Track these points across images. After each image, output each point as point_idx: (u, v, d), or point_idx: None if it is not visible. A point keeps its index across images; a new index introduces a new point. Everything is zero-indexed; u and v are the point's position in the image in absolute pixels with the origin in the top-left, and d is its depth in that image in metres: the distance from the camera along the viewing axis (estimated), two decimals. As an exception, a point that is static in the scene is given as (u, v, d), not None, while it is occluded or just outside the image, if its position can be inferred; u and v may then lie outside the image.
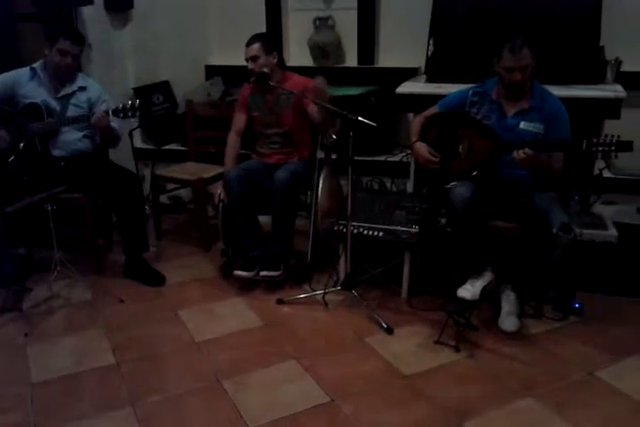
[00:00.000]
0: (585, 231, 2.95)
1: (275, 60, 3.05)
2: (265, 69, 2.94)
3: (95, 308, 2.93)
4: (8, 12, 3.44)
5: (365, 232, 2.88)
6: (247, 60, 3.04)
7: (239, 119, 3.25)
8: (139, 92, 4.16)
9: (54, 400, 2.24)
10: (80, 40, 3.04)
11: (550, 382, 2.31)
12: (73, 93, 3.10)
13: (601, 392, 2.24)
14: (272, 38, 3.24)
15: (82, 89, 3.12)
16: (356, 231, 2.86)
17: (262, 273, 3.00)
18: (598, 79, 3.13)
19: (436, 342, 2.55)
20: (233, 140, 3.26)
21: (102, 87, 3.22)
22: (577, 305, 2.79)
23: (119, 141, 3.22)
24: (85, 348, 2.58)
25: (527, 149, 2.41)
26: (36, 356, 2.52)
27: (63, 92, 3.08)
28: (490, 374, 2.36)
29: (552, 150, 2.53)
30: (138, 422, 2.11)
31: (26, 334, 2.65)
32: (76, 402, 2.23)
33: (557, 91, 2.73)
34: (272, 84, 2.95)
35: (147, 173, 4.03)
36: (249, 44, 3.04)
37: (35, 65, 3.07)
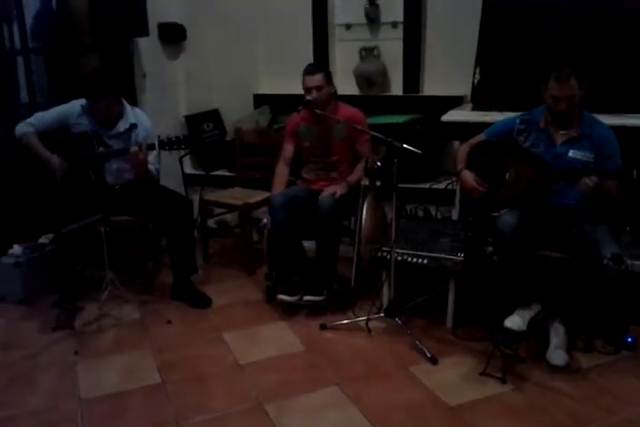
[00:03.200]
0: (637, 263, 2.87)
1: (332, 91, 3.13)
2: (309, 97, 3.01)
3: (143, 328, 3.00)
4: (70, 43, 3.62)
5: (409, 259, 2.87)
6: (309, 89, 3.06)
7: (287, 149, 3.32)
8: (190, 120, 4.30)
9: (102, 417, 2.30)
10: (100, 97, 2.99)
11: (601, 417, 2.23)
12: (125, 132, 3.14)
13: (656, 430, 2.16)
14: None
15: (133, 126, 3.15)
16: (399, 258, 2.86)
17: (306, 298, 3.03)
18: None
19: (482, 374, 2.50)
20: (282, 169, 3.33)
21: (151, 124, 3.23)
22: (630, 339, 2.70)
23: (152, 180, 3.18)
24: (133, 366, 2.64)
25: (594, 177, 2.37)
26: (85, 373, 2.60)
27: (115, 131, 3.13)
28: (538, 407, 2.30)
29: (602, 179, 2.50)
30: (182, 442, 2.15)
31: (76, 352, 2.74)
32: (122, 419, 2.28)
33: (609, 119, 2.71)
34: (319, 112, 3.00)
35: (195, 197, 4.14)
36: (311, 73, 3.08)
37: (84, 103, 3.10)
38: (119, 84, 3.21)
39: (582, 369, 2.55)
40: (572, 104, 2.50)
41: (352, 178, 3.13)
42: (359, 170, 3.11)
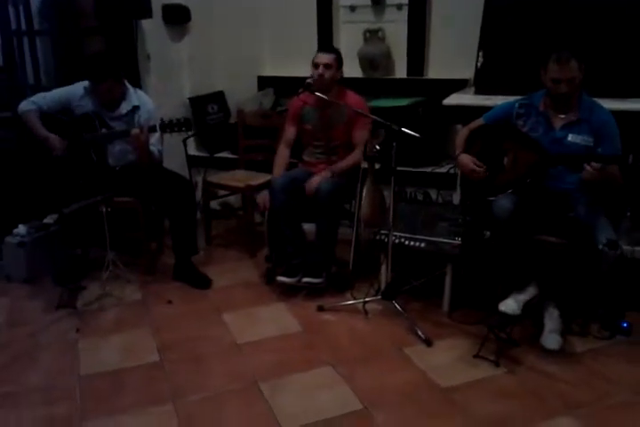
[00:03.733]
0: (636, 249, 2.86)
1: (339, 76, 3.13)
2: (309, 80, 3.00)
3: (144, 308, 3.05)
4: (75, 25, 3.63)
5: (407, 242, 2.89)
6: (317, 65, 3.07)
7: (289, 131, 3.32)
8: (194, 102, 4.31)
9: (100, 393, 2.36)
10: (101, 79, 3.01)
11: (593, 401, 2.25)
12: (128, 114, 3.16)
13: (646, 414, 2.18)
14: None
15: (135, 108, 3.16)
16: (397, 241, 2.88)
17: (304, 280, 3.06)
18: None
19: (476, 356, 2.52)
20: (283, 151, 3.34)
21: (154, 106, 3.24)
22: (625, 325, 2.70)
23: (155, 162, 3.20)
24: (132, 345, 2.69)
25: (595, 163, 2.34)
26: (85, 351, 2.65)
27: (118, 113, 3.15)
28: (530, 390, 2.33)
29: (602, 164, 2.47)
30: (177, 418, 2.19)
31: (77, 330, 2.79)
32: (120, 396, 2.33)
33: (609, 104, 2.68)
34: (318, 94, 2.99)
35: (199, 179, 4.16)
36: (325, 50, 3.12)
37: (87, 85, 3.13)
38: (121, 65, 3.21)
39: (576, 353, 2.56)
40: (572, 86, 2.48)
41: (336, 167, 3.14)
42: (349, 159, 3.14)
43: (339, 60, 3.12)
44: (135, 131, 2.95)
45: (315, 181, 3.06)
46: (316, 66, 3.08)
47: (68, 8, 3.59)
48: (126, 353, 2.63)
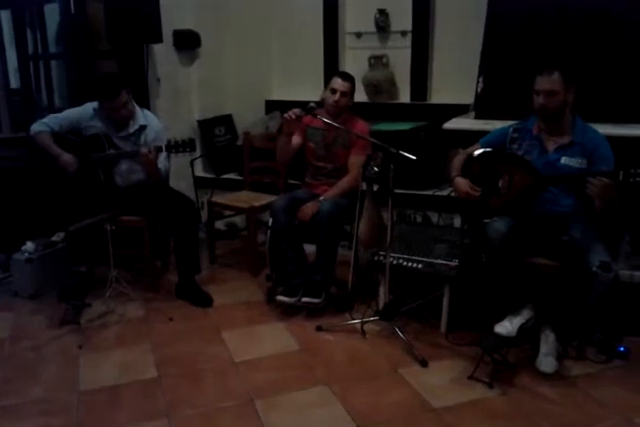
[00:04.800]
0: (635, 274, 2.87)
1: (351, 103, 3.22)
2: (312, 104, 3.08)
3: (146, 325, 3.10)
4: (88, 49, 3.77)
5: (404, 264, 2.93)
6: (335, 91, 3.15)
7: (295, 137, 3.32)
8: (203, 124, 4.42)
9: (98, 408, 2.40)
10: (115, 94, 3.09)
11: (585, 425, 2.25)
12: (135, 133, 3.26)
13: (639, 439, 2.18)
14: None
15: (142, 128, 3.26)
16: (395, 262, 2.91)
17: (304, 299, 3.09)
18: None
19: (470, 378, 2.54)
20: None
21: (162, 125, 3.35)
22: (622, 349, 2.70)
23: (161, 179, 3.27)
24: (132, 361, 2.74)
25: (603, 178, 2.33)
26: (86, 366, 2.70)
27: (125, 133, 3.25)
28: (522, 412, 2.33)
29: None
30: (171, 433, 2.23)
31: (80, 346, 2.84)
32: (117, 411, 2.37)
33: (607, 129, 2.73)
34: (318, 117, 3.06)
35: (206, 200, 4.24)
36: (345, 78, 3.19)
37: (96, 106, 3.23)
38: (129, 83, 3.30)
39: (571, 377, 2.57)
40: (551, 100, 2.52)
41: (328, 194, 3.20)
42: (340, 185, 3.21)
43: (354, 89, 3.22)
44: (144, 150, 3.04)
45: (308, 209, 3.13)
46: (333, 91, 3.16)
47: (81, 32, 3.74)
48: (126, 369, 2.67)
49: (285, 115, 3.07)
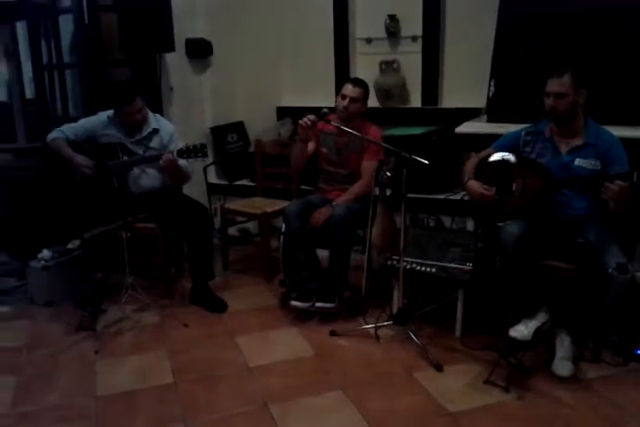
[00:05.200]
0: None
1: (364, 109, 3.23)
2: (325, 109, 3.10)
3: (161, 331, 3.12)
4: (102, 58, 3.82)
5: (418, 268, 2.92)
6: (345, 96, 3.16)
7: (310, 144, 3.33)
8: (215, 131, 4.46)
9: (115, 413, 2.42)
10: (131, 99, 3.16)
11: (603, 429, 2.24)
12: (147, 137, 3.31)
13: (657, 443, 2.15)
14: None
15: (155, 131, 3.32)
16: (408, 267, 2.91)
17: (318, 304, 3.10)
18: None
19: (486, 382, 2.52)
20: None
21: (174, 127, 3.41)
22: (639, 352, 2.68)
23: (187, 180, 3.36)
24: (148, 367, 2.76)
25: (619, 181, 2.31)
26: (103, 372, 2.72)
27: (138, 137, 3.30)
28: (538, 417, 2.32)
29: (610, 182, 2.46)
30: (187, 439, 2.24)
31: (96, 352, 2.87)
32: (133, 416, 2.39)
33: (621, 132, 2.72)
34: (332, 123, 3.08)
35: (219, 206, 4.27)
36: (355, 84, 3.18)
37: (110, 114, 3.30)
38: (143, 91, 3.34)
39: (587, 380, 2.55)
40: (560, 103, 2.52)
41: (341, 199, 3.20)
42: (352, 191, 3.22)
43: (366, 95, 3.21)
44: (167, 156, 3.06)
45: (321, 214, 3.14)
46: (343, 97, 3.17)
47: (96, 42, 3.80)
48: (142, 375, 2.69)
49: (300, 121, 3.08)
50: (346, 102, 3.15)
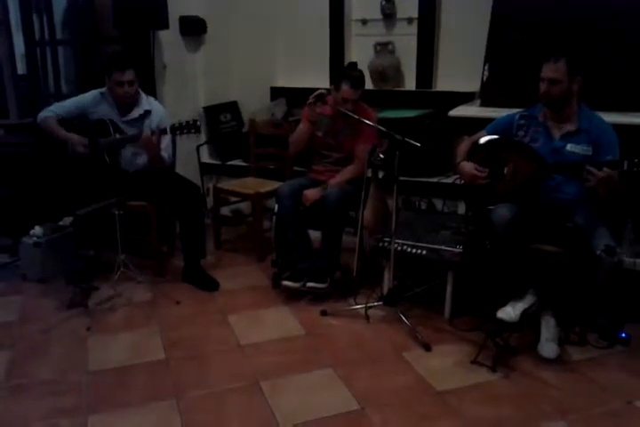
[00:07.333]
0: (639, 261, 2.89)
1: (360, 94, 3.19)
2: (322, 91, 3.08)
3: (153, 308, 3.14)
4: (95, 35, 3.78)
5: (409, 250, 2.95)
6: (345, 100, 3.09)
7: (304, 125, 3.32)
8: (208, 110, 4.43)
9: (106, 388, 2.44)
10: (125, 66, 3.15)
11: (586, 408, 2.29)
12: (139, 118, 3.30)
13: (638, 422, 2.21)
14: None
15: (147, 113, 3.30)
16: (399, 248, 2.94)
17: (309, 284, 3.13)
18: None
19: (473, 362, 2.57)
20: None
21: (165, 111, 3.39)
22: (624, 335, 2.73)
23: (164, 163, 3.30)
24: (140, 343, 2.78)
25: (606, 168, 2.34)
26: (95, 348, 2.75)
27: (130, 117, 3.29)
28: (524, 395, 2.37)
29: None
30: (179, 413, 2.27)
31: (88, 328, 2.89)
32: (125, 391, 2.42)
33: (612, 117, 2.74)
34: (329, 104, 3.07)
35: (211, 186, 4.27)
36: (355, 86, 3.08)
37: (103, 90, 3.28)
38: (136, 69, 3.29)
39: (573, 362, 2.60)
40: (554, 88, 2.54)
41: (334, 181, 3.21)
42: (345, 173, 3.21)
43: (363, 92, 3.16)
44: (146, 133, 3.06)
45: (311, 194, 3.16)
46: (345, 101, 3.09)
47: (88, 18, 3.76)
48: (133, 351, 2.72)
49: (310, 100, 3.08)
50: (349, 105, 3.10)
